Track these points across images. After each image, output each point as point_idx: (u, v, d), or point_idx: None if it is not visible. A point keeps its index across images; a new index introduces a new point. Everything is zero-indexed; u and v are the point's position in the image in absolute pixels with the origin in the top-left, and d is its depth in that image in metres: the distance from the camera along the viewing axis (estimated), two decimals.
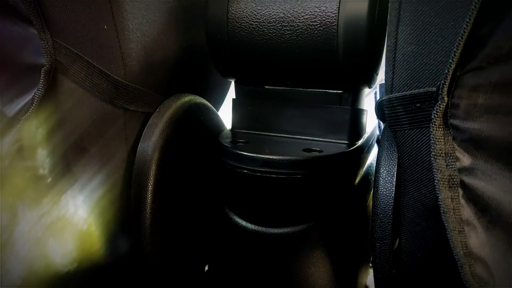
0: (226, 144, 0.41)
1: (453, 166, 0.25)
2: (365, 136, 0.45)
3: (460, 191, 0.25)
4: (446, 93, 0.24)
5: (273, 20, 0.38)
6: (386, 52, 0.31)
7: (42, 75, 0.30)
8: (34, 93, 0.30)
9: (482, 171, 0.24)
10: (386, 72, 0.31)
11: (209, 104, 0.48)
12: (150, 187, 0.38)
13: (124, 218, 0.39)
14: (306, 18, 0.37)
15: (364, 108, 0.45)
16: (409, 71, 0.29)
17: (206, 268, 0.53)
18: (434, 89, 0.26)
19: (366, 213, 0.47)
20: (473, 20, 0.21)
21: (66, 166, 0.34)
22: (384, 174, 0.33)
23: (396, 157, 0.33)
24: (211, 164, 0.45)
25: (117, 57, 0.35)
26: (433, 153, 0.25)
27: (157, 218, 0.39)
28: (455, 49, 0.23)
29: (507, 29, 0.21)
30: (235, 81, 0.46)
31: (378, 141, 0.51)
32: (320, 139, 0.43)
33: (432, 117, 0.25)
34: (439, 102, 0.24)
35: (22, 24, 0.30)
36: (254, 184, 0.40)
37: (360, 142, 0.43)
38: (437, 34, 0.26)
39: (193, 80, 0.49)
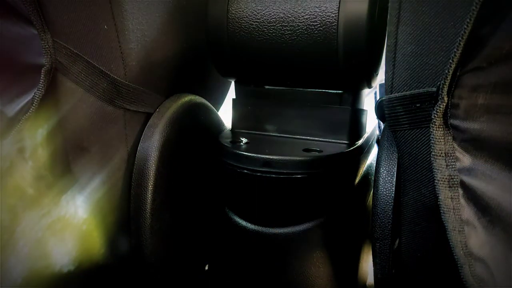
0: (226, 144, 0.41)
1: (453, 166, 0.25)
2: (365, 136, 0.45)
3: (460, 191, 0.25)
4: (446, 93, 0.24)
5: (273, 20, 0.38)
6: (386, 52, 0.31)
7: (42, 75, 0.30)
8: (34, 93, 0.30)
9: (482, 171, 0.24)
10: (386, 72, 0.31)
11: (209, 104, 0.48)
12: (150, 187, 0.38)
13: (124, 218, 0.39)
14: (306, 18, 0.37)
15: (364, 108, 0.45)
16: (409, 71, 0.29)
17: (206, 268, 0.53)
18: (434, 89, 0.26)
19: (366, 213, 0.47)
20: (474, 20, 0.21)
21: (66, 166, 0.34)
22: (384, 174, 0.33)
23: (396, 157, 0.33)
24: (211, 164, 0.45)
25: (117, 57, 0.35)
26: (433, 153, 0.25)
27: (157, 218, 0.39)
28: (455, 49, 0.23)
29: (507, 29, 0.21)
30: (235, 81, 0.46)
31: (378, 141, 0.51)
32: (320, 139, 0.43)
33: (432, 117, 0.25)
34: (439, 102, 0.24)
35: (22, 24, 0.30)
36: (254, 184, 0.40)
37: (360, 142, 0.43)
38: (437, 34, 0.26)
39: (193, 80, 0.49)
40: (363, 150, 0.44)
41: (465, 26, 0.22)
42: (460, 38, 0.22)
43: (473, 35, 0.22)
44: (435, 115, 0.25)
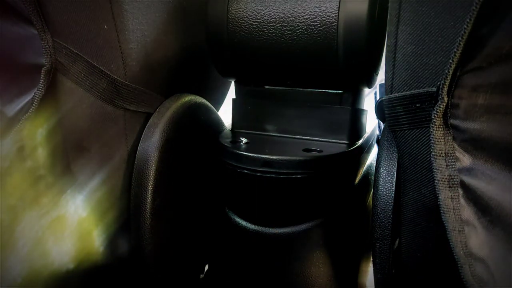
0: (226, 144, 0.41)
1: (453, 166, 0.25)
2: (365, 136, 0.45)
3: (460, 191, 0.25)
4: (446, 93, 0.24)
5: (273, 20, 0.38)
6: (386, 52, 0.31)
7: (42, 75, 0.30)
8: (34, 93, 0.30)
9: (482, 171, 0.24)
10: (386, 72, 0.31)
11: (209, 104, 0.48)
12: (150, 187, 0.38)
13: (124, 218, 0.39)
14: (306, 18, 0.37)
15: (364, 108, 0.45)
16: (409, 71, 0.29)
17: (206, 268, 0.53)
18: (434, 89, 0.26)
19: (366, 213, 0.47)
20: (474, 20, 0.21)
21: (66, 166, 0.34)
22: (384, 174, 0.33)
23: (396, 157, 0.33)
24: (211, 164, 0.45)
25: (117, 57, 0.35)
26: (433, 153, 0.25)
27: (157, 218, 0.39)
28: (455, 49, 0.23)
29: (507, 29, 0.21)
30: (235, 81, 0.46)
31: (378, 141, 0.51)
32: (320, 139, 0.43)
33: (432, 117, 0.25)
34: (439, 102, 0.24)
35: (22, 24, 0.30)
36: (254, 184, 0.40)
37: (360, 142, 0.43)
38: (437, 34, 0.26)
39: (193, 80, 0.49)
40: (363, 150, 0.44)
41: (465, 26, 0.22)
42: (460, 38, 0.22)
43: (473, 35, 0.22)
44: (435, 115, 0.25)
